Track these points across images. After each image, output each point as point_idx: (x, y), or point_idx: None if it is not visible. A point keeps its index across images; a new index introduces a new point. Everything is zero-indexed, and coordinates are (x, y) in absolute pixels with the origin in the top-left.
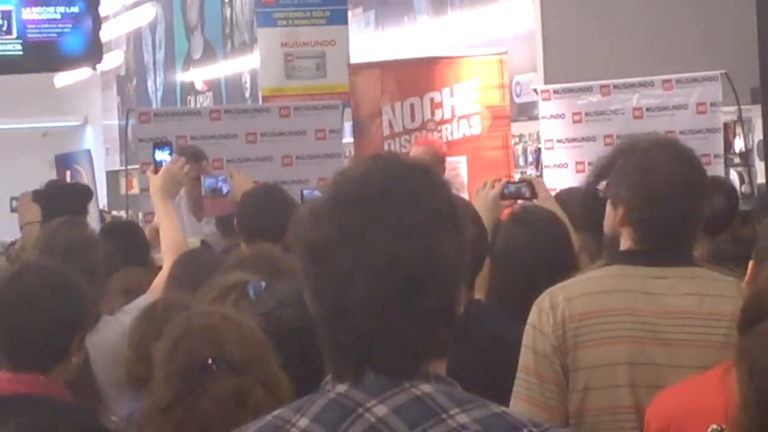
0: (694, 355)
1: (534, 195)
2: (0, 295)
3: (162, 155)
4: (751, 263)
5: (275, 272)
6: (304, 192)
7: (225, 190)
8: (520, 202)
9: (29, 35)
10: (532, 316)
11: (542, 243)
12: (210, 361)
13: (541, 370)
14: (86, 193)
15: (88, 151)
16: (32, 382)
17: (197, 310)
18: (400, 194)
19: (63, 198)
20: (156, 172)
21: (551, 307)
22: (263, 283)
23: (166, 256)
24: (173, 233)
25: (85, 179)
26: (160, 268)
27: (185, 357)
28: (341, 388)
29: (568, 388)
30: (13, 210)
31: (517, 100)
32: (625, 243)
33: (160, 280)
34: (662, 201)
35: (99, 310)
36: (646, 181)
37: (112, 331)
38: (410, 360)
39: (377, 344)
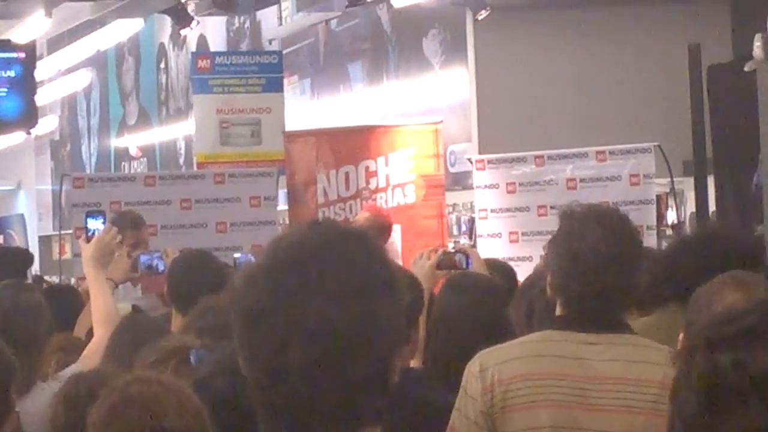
0: (621, 420)
1: (468, 264)
2: None
3: (95, 224)
4: (681, 335)
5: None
6: (238, 258)
7: (161, 267)
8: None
9: None
10: (464, 379)
11: (479, 310)
12: None
13: None
14: (27, 258)
15: (22, 215)
16: None
17: (136, 375)
18: (335, 259)
19: (4, 262)
20: (88, 240)
21: (480, 370)
22: (206, 352)
23: (96, 326)
24: (104, 303)
25: (18, 244)
26: None
27: (121, 427)
28: None
29: None
30: None
31: (452, 170)
32: (558, 308)
33: (91, 349)
34: (581, 275)
35: (33, 376)
36: (569, 253)
37: (44, 398)
38: (345, 426)
39: (312, 410)
